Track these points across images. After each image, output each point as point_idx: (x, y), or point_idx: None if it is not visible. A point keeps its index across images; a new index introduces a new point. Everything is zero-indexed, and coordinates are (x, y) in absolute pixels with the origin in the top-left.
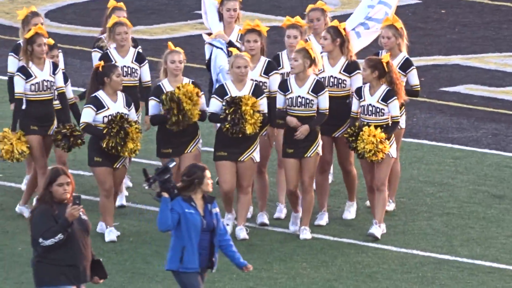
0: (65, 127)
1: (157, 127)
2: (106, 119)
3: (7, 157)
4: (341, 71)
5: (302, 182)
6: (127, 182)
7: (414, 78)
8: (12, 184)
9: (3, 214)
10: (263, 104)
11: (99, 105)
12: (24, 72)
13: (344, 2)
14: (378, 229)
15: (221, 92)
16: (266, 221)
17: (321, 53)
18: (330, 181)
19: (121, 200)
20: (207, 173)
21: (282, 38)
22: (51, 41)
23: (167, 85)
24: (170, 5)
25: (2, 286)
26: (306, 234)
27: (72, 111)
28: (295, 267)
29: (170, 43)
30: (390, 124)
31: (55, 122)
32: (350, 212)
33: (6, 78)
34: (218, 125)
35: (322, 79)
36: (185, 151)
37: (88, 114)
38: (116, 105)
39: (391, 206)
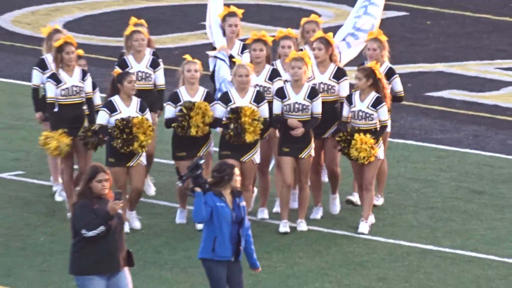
0: (93, 126)
1: (173, 132)
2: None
3: (55, 153)
4: (330, 78)
5: (298, 181)
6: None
7: (398, 85)
8: (35, 181)
9: (27, 208)
10: (264, 109)
11: (112, 109)
12: (55, 78)
13: (338, 14)
14: (365, 226)
15: (225, 99)
16: (266, 216)
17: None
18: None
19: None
20: (236, 171)
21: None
22: (80, 51)
23: (183, 92)
24: (178, 16)
25: (26, 273)
26: (302, 226)
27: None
28: (292, 256)
29: (188, 55)
30: (378, 128)
31: (85, 124)
32: (335, 204)
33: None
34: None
35: (313, 85)
36: (198, 154)
37: (102, 117)
38: (128, 109)
39: (380, 201)
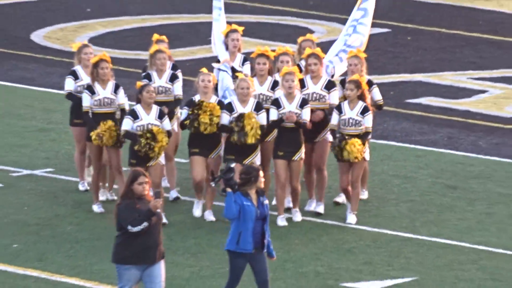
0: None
1: (190, 133)
2: (139, 128)
3: (110, 142)
4: (322, 88)
5: (290, 181)
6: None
7: (377, 94)
8: (63, 177)
9: (55, 200)
10: (262, 117)
11: (135, 116)
12: (90, 90)
13: (329, 30)
14: (353, 217)
15: (229, 108)
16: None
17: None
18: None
19: (174, 195)
20: (261, 173)
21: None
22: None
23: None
24: (189, 33)
25: (55, 258)
26: (297, 217)
27: None
28: (289, 243)
29: (204, 68)
30: (364, 133)
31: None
32: (321, 208)
33: (57, 91)
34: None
35: (307, 95)
36: (209, 156)
37: (127, 123)
38: (149, 117)
39: (365, 195)
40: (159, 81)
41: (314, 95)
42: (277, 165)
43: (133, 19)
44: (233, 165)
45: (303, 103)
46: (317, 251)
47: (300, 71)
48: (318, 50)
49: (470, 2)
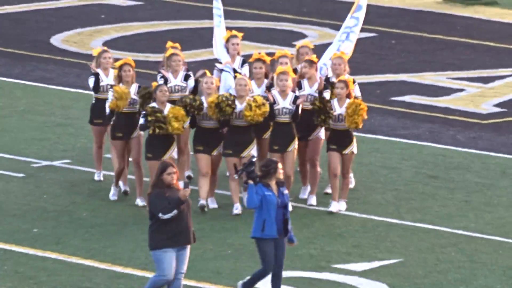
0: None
1: (195, 130)
2: None
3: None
4: (316, 90)
5: (284, 170)
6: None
7: (357, 91)
8: (79, 168)
9: (73, 189)
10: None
11: None
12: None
13: (321, 35)
14: (343, 204)
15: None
16: None
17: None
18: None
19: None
20: (279, 165)
21: (272, 57)
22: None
23: (203, 100)
24: (193, 37)
25: (72, 242)
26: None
27: None
28: None
29: (207, 71)
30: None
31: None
32: (313, 199)
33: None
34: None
35: (303, 96)
36: (212, 153)
37: (143, 119)
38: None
39: (352, 184)
40: (175, 80)
41: (309, 96)
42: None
43: (143, 25)
44: (254, 159)
45: (295, 100)
46: (310, 235)
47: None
48: (313, 57)
49: (448, 9)
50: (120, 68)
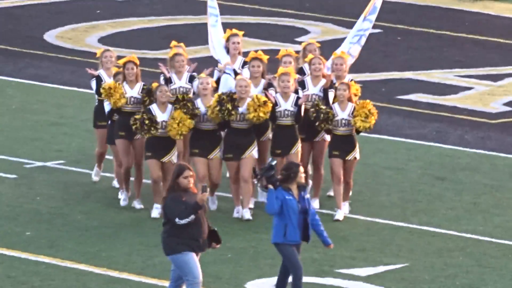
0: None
1: (191, 133)
2: None
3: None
4: (321, 90)
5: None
6: None
7: None
8: (74, 168)
9: (67, 191)
10: None
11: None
12: None
13: (324, 31)
14: (347, 206)
15: None
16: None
17: (307, 76)
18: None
19: None
20: (301, 169)
21: (276, 56)
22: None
23: (198, 101)
24: (192, 33)
25: (66, 245)
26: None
27: None
28: None
29: (203, 73)
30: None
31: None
32: (316, 203)
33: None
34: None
35: (305, 95)
36: (208, 157)
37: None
38: (163, 115)
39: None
40: (179, 82)
41: (314, 96)
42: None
43: (140, 20)
44: (274, 163)
45: (297, 101)
46: (313, 238)
47: (303, 74)
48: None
49: (456, 4)
50: (124, 66)
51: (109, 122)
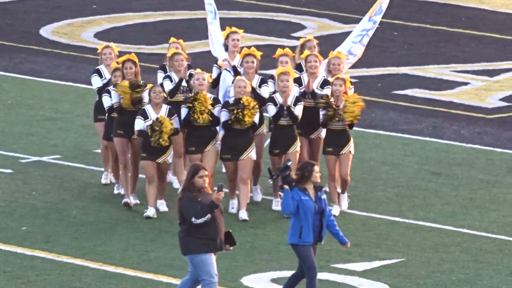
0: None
1: (186, 131)
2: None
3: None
4: (317, 87)
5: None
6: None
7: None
8: (69, 163)
9: (63, 186)
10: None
11: (145, 116)
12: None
13: (320, 26)
14: (345, 200)
15: (227, 104)
16: (259, 198)
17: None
18: None
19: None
20: (316, 168)
21: (273, 53)
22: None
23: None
24: (189, 28)
25: (62, 240)
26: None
27: None
28: (282, 226)
29: (198, 69)
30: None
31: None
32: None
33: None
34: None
35: (303, 93)
36: (205, 150)
37: (138, 123)
38: (157, 116)
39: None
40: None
41: (310, 94)
42: (273, 162)
43: (136, 15)
44: (289, 163)
45: (296, 101)
46: None
47: (302, 70)
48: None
49: None
50: (122, 65)
51: (107, 117)
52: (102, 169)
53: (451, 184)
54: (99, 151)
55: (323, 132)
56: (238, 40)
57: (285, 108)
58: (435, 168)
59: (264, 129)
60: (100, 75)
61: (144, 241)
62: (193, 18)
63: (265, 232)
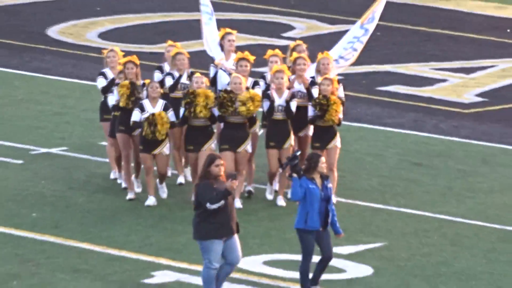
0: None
1: (185, 129)
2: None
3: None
4: (286, 99)
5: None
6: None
7: (341, 92)
8: (76, 155)
9: (69, 176)
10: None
11: (142, 109)
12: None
13: (308, 27)
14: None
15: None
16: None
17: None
18: None
19: (180, 180)
20: (322, 159)
21: (264, 52)
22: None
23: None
24: (185, 28)
25: (69, 226)
26: (281, 201)
27: None
28: (274, 213)
29: (198, 73)
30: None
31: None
32: None
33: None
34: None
35: (294, 92)
36: (202, 149)
37: (136, 115)
38: (154, 109)
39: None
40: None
41: (299, 93)
42: (269, 154)
43: (137, 17)
44: (298, 153)
45: (291, 97)
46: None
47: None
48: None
49: (432, 2)
50: (124, 65)
51: (112, 116)
52: (107, 159)
53: (430, 174)
54: (104, 143)
55: (310, 131)
56: (233, 40)
57: (286, 99)
58: (415, 159)
59: (257, 128)
60: (105, 77)
61: (146, 226)
62: (189, 19)
63: (257, 218)
